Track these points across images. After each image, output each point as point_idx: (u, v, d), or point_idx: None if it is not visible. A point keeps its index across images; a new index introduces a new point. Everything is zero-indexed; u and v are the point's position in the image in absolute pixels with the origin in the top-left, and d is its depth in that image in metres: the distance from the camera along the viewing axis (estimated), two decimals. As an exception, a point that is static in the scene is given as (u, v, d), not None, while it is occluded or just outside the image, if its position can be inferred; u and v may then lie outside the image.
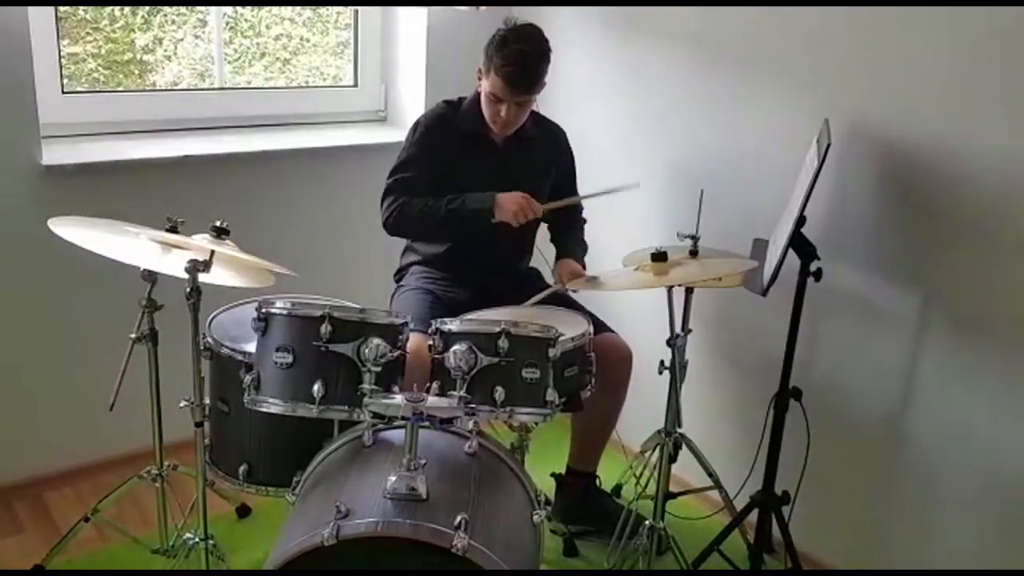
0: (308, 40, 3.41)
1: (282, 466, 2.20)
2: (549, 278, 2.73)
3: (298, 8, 3.32)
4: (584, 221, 2.86)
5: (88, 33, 2.99)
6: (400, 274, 2.79)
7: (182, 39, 3.15)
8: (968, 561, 2.38)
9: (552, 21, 2.85)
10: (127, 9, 3.02)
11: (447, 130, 2.62)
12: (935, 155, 2.29)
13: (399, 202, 2.59)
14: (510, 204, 2.51)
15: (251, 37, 3.30)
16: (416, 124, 2.66)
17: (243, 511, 2.77)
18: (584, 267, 2.68)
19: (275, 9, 3.29)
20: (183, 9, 3.10)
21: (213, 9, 3.11)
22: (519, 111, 2.55)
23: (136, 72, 3.12)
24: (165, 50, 3.15)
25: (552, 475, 2.86)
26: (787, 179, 2.39)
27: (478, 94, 2.61)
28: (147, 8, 3.05)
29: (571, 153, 2.82)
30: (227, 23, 3.21)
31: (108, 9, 2.99)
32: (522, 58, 2.48)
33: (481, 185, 2.63)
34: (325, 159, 3.18)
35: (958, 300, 2.32)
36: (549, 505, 2.67)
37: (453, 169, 2.62)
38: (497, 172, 2.64)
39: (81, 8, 2.94)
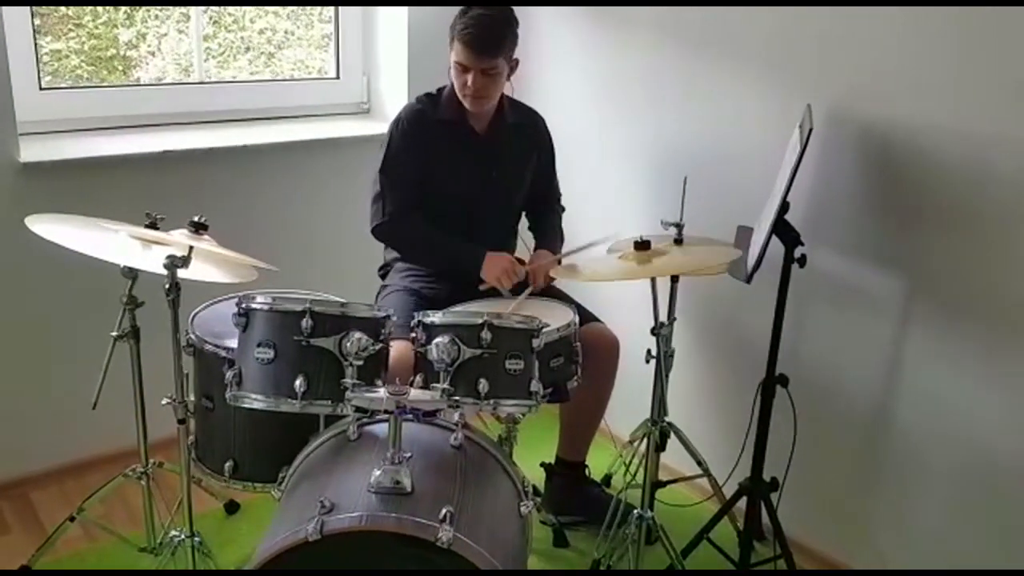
0: (292, 34, 3.39)
1: (268, 462, 2.19)
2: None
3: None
4: (563, 209, 2.85)
5: (71, 29, 2.97)
6: (384, 270, 2.78)
7: (166, 34, 3.14)
8: (955, 546, 2.38)
9: (533, 13, 2.85)
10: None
11: (427, 123, 2.60)
12: (918, 140, 2.28)
13: (389, 226, 2.59)
14: (494, 269, 2.50)
15: (235, 31, 3.28)
16: (397, 121, 2.63)
17: (231, 507, 2.77)
18: (559, 260, 2.67)
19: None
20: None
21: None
22: (487, 81, 2.50)
23: (120, 68, 3.10)
24: (149, 46, 3.13)
25: (541, 465, 2.86)
26: (771, 165, 2.38)
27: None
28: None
29: (551, 139, 2.81)
30: (211, 18, 3.19)
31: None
32: (481, 20, 2.44)
33: (466, 176, 2.63)
34: (307, 152, 3.16)
35: (942, 284, 2.31)
36: (538, 496, 2.69)
37: (437, 162, 2.60)
38: (480, 161, 2.64)
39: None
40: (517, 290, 2.52)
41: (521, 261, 2.59)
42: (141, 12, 3.05)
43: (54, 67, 2.93)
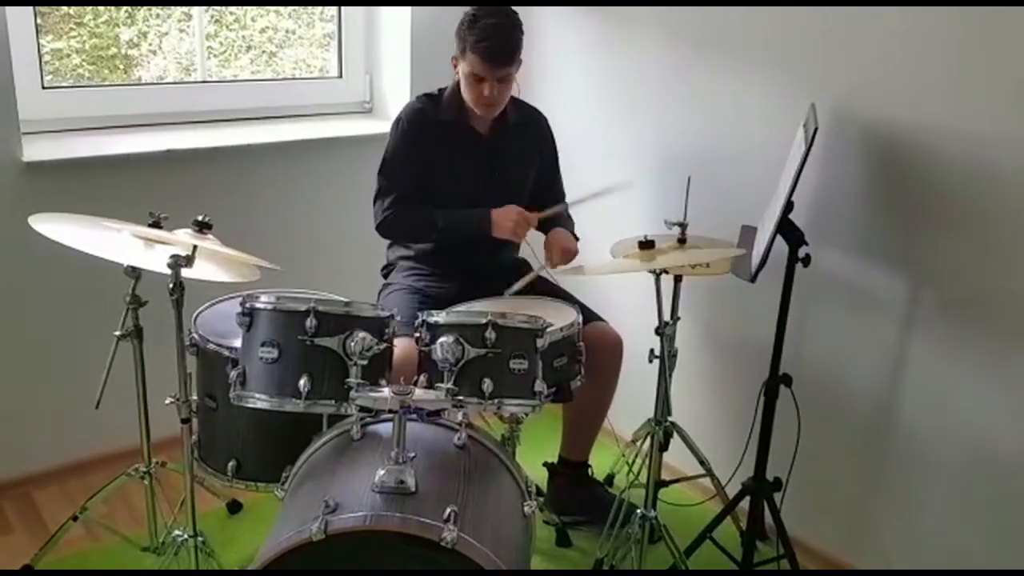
0: (294, 32, 3.39)
1: (271, 461, 2.18)
2: (536, 265, 2.70)
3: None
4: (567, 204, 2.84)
5: (72, 28, 2.97)
6: (387, 269, 2.78)
7: (167, 33, 3.13)
8: (959, 545, 2.38)
9: (537, 13, 2.84)
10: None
11: (428, 123, 2.60)
12: (921, 139, 2.28)
13: (391, 215, 2.58)
14: (506, 222, 2.50)
15: (236, 30, 3.27)
16: (397, 121, 2.63)
17: (234, 507, 2.76)
18: (577, 237, 2.66)
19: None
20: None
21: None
22: (502, 88, 2.51)
23: (121, 67, 3.10)
24: (150, 44, 3.12)
25: (544, 465, 2.85)
26: (775, 164, 2.37)
27: (457, 83, 2.59)
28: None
29: (553, 138, 2.80)
30: (212, 17, 3.18)
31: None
32: (496, 30, 2.44)
33: (467, 176, 2.62)
34: (310, 151, 3.16)
35: (946, 284, 2.31)
36: (541, 496, 2.69)
37: (438, 162, 2.60)
38: (482, 162, 2.63)
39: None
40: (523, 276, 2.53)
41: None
42: (142, 11, 3.04)
43: (55, 66, 2.93)
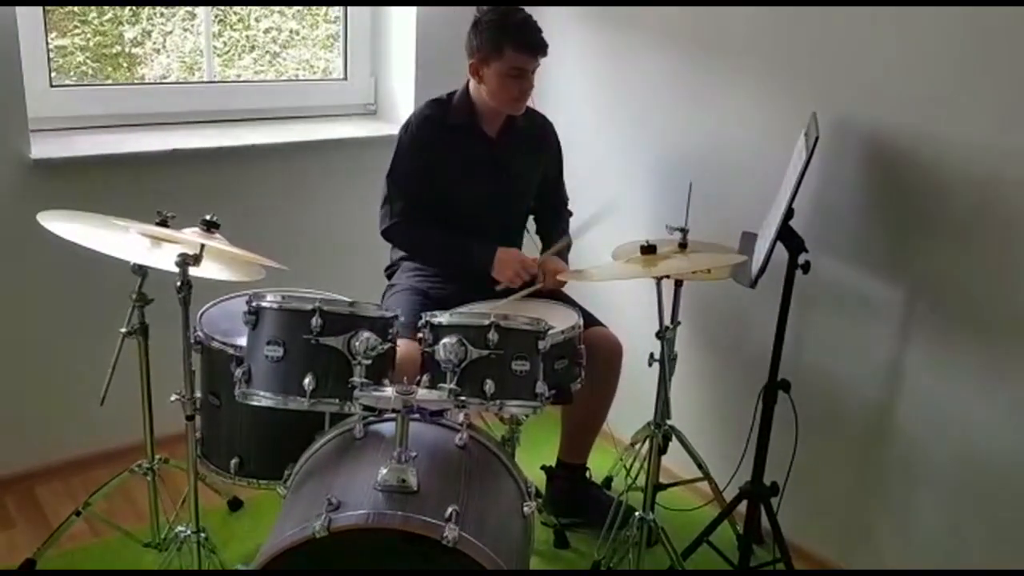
0: (298, 33, 3.40)
1: (273, 459, 2.20)
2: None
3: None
4: (570, 214, 2.87)
5: (76, 26, 2.98)
6: (391, 270, 2.80)
7: (171, 32, 3.15)
8: (954, 551, 2.40)
9: (541, 18, 2.84)
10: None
11: (437, 128, 2.62)
12: (921, 148, 2.30)
13: (396, 225, 2.62)
14: (506, 269, 2.53)
15: (240, 30, 3.29)
16: (406, 125, 2.66)
17: (235, 504, 2.77)
18: (567, 263, 2.69)
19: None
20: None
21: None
22: (532, 79, 2.58)
23: (125, 65, 3.11)
24: (154, 43, 3.14)
25: (542, 468, 2.87)
26: (776, 172, 2.39)
27: (466, 88, 2.62)
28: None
29: (558, 142, 2.83)
30: (216, 16, 3.20)
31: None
32: (529, 23, 2.53)
33: (476, 178, 2.65)
34: (315, 153, 3.17)
35: (945, 293, 2.33)
36: (540, 497, 2.71)
37: (448, 165, 2.62)
38: (490, 165, 2.66)
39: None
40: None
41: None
42: (147, 10, 3.06)
43: (58, 63, 2.94)
